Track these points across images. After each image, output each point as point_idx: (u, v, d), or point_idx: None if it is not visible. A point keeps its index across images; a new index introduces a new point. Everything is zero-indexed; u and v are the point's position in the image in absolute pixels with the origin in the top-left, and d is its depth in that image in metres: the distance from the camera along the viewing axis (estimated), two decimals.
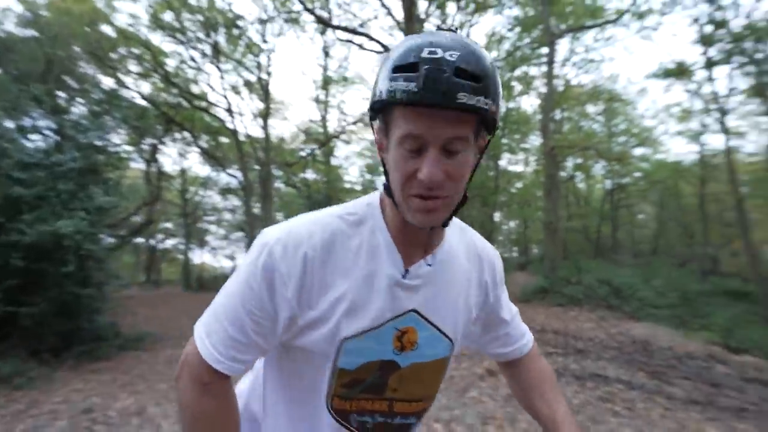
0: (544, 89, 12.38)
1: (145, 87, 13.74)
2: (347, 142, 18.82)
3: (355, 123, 16.21)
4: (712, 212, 19.14)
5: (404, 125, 0.58)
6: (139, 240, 19.41)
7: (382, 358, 0.68)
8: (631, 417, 3.28)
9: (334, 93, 17.30)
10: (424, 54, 0.55)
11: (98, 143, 6.24)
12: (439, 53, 0.55)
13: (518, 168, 20.24)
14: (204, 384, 0.66)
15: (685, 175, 19.19)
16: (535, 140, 17.27)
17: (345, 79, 16.61)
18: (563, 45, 14.29)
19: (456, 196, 0.62)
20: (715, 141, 22.60)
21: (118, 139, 8.49)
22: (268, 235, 0.66)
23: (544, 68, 11.90)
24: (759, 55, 11.39)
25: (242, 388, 0.85)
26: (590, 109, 18.64)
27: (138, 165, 15.03)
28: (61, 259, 5.13)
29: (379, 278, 0.66)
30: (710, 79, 13.60)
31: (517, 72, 14.06)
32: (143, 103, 12.63)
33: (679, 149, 37.90)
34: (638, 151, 19.40)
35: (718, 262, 19.84)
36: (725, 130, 13.75)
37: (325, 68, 16.33)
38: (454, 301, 0.73)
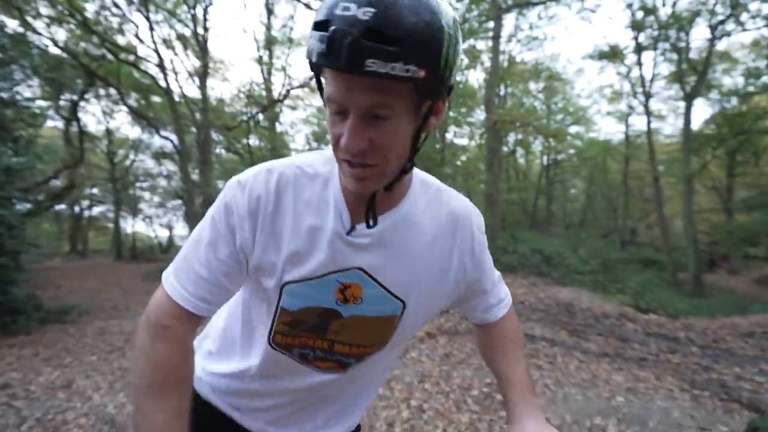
0: (489, 64, 12.61)
1: (61, 34, 12.19)
2: (293, 108, 18.16)
3: (301, 87, 15.59)
4: (634, 188, 21.04)
5: (328, 87, 0.55)
6: (61, 206, 17.74)
7: (324, 306, 0.70)
8: (551, 370, 3.65)
9: (278, 54, 16.39)
10: (337, 10, 0.49)
11: (4, 95, 5.53)
12: (352, 10, 0.48)
13: (463, 141, 20.74)
14: (163, 327, 0.66)
15: (612, 154, 20.79)
16: (480, 114, 17.68)
17: (290, 40, 15.78)
18: (509, 21, 14.54)
19: (387, 165, 0.59)
20: (640, 122, 24.47)
21: (30, 93, 7.56)
22: (233, 179, 0.69)
23: (491, 43, 12.09)
24: (681, 44, 12.37)
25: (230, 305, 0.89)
26: (532, 86, 19.36)
27: (56, 123, 13.54)
28: None
29: (323, 232, 0.67)
30: (639, 64, 14.62)
31: (465, 45, 14.16)
32: (58, 52, 11.24)
33: (608, 129, 40.71)
34: (573, 129, 20.68)
35: (636, 234, 22.05)
36: (648, 113, 14.97)
37: (269, 27, 15.40)
38: (410, 263, 0.71)
